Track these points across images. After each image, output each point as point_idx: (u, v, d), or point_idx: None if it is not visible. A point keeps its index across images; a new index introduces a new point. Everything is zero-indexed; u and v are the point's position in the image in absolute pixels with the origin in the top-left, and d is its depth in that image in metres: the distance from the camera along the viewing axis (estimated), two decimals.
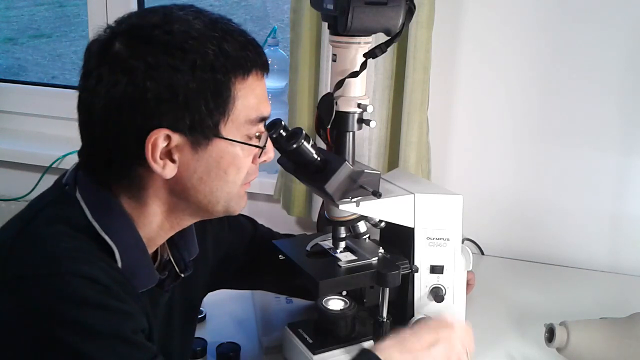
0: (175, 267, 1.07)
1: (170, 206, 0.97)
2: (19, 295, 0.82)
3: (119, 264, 0.92)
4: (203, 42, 0.89)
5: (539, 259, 1.79)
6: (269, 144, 1.02)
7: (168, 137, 0.90)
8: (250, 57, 0.94)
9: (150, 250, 1.00)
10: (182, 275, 1.07)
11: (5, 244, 0.89)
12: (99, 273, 0.85)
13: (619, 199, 1.74)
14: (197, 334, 1.34)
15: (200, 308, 1.44)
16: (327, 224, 1.25)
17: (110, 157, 0.93)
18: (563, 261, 1.77)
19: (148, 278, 0.98)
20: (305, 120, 1.71)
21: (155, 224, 0.98)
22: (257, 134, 0.97)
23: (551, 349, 1.27)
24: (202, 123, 0.91)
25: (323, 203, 1.27)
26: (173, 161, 0.92)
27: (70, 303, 0.82)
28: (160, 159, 0.91)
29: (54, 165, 1.94)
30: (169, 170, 0.92)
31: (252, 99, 0.95)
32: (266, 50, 1.79)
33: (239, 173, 0.97)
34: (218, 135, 0.93)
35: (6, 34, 3.74)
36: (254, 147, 0.97)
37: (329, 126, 1.14)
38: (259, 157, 1.00)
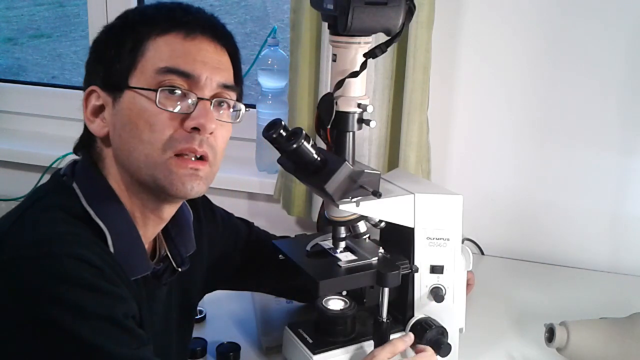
0: (172, 261, 1.08)
1: (124, 181, 0.98)
2: (12, 276, 0.83)
3: (112, 249, 0.93)
4: (130, 10, 1.01)
5: (539, 259, 1.79)
6: (203, 111, 0.94)
7: (97, 95, 0.97)
8: (172, 18, 0.97)
9: (146, 244, 1.02)
10: (179, 269, 1.08)
11: (2, 230, 0.90)
12: (93, 256, 0.86)
13: (619, 199, 1.74)
14: (197, 334, 1.34)
15: (200, 308, 1.45)
16: (327, 224, 1.25)
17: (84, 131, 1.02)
18: (563, 261, 1.77)
19: (141, 265, 0.98)
20: (305, 120, 1.71)
21: (128, 204, 0.99)
22: (182, 93, 0.94)
23: (551, 349, 1.27)
24: (114, 74, 0.96)
25: (323, 203, 1.27)
26: (104, 120, 0.97)
27: (63, 283, 0.82)
28: (94, 116, 0.98)
29: (54, 165, 1.94)
30: (97, 126, 0.98)
31: (166, 51, 0.95)
32: (266, 51, 1.81)
33: (152, 132, 0.93)
34: (127, 85, 0.95)
35: (6, 34, 3.75)
36: (157, 99, 0.92)
37: (329, 126, 1.14)
38: (188, 121, 0.94)
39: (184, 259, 1.09)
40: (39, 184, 1.04)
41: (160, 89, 0.93)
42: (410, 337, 1.18)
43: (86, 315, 0.82)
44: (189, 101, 0.95)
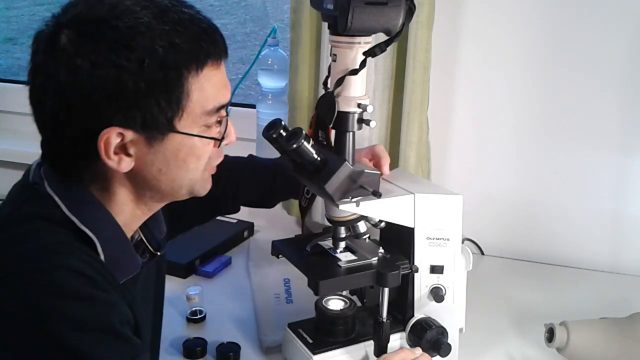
0: (149, 246, 1.07)
1: (137, 195, 0.96)
2: (3, 294, 0.81)
3: (102, 256, 0.91)
4: (151, 38, 0.85)
5: (539, 259, 1.79)
6: (230, 127, 0.98)
7: (121, 134, 0.88)
8: (204, 48, 0.90)
9: (128, 235, 1.00)
10: (158, 253, 1.07)
11: None
12: (83, 265, 0.85)
13: (619, 199, 1.74)
14: (197, 334, 1.35)
15: (200, 308, 1.45)
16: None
17: (69, 153, 0.91)
18: (563, 261, 1.77)
19: (131, 266, 0.98)
20: (305, 120, 1.70)
21: (128, 211, 0.97)
22: (218, 120, 0.95)
23: (551, 349, 1.27)
24: (155, 120, 0.88)
25: (307, 204, 1.27)
26: (129, 155, 0.90)
27: (56, 296, 0.81)
28: (115, 154, 0.89)
29: None
30: (125, 165, 0.90)
31: (209, 89, 0.92)
32: (266, 51, 1.81)
33: (199, 161, 0.95)
34: (173, 130, 0.91)
35: (6, 34, 3.75)
36: (209, 135, 0.94)
37: (331, 125, 1.14)
38: (223, 141, 0.98)
39: (159, 242, 1.08)
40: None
41: (210, 128, 0.95)
42: (419, 350, 1.18)
43: (84, 327, 0.81)
44: (225, 123, 0.98)
